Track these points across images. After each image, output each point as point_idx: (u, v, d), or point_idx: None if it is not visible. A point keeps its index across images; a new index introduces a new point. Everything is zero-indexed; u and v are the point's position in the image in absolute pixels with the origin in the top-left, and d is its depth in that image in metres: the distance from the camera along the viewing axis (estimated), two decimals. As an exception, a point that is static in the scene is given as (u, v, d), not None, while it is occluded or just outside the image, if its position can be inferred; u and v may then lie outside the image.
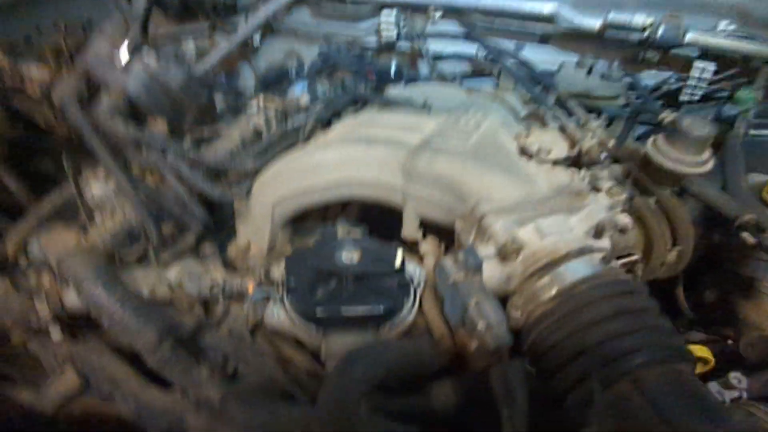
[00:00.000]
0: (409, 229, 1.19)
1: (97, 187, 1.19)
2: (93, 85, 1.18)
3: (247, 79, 2.14)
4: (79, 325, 1.25)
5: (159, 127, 1.19)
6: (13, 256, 1.15)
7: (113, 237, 1.04)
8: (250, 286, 1.17)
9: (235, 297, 1.20)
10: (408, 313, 1.05)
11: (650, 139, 1.05)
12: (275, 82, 1.88)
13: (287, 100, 1.40)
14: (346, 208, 1.57)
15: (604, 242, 0.96)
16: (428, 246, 1.24)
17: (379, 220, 1.46)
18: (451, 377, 0.95)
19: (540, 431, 0.79)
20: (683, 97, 1.50)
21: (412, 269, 1.15)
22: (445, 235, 1.28)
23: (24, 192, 1.70)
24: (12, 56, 1.97)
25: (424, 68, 1.95)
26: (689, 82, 1.48)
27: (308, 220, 1.43)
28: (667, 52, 1.48)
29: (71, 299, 1.06)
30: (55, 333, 1.10)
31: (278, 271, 1.19)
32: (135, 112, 1.22)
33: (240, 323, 1.12)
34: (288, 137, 1.27)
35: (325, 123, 1.42)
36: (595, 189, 1.02)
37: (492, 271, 0.90)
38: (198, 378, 0.99)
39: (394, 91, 1.57)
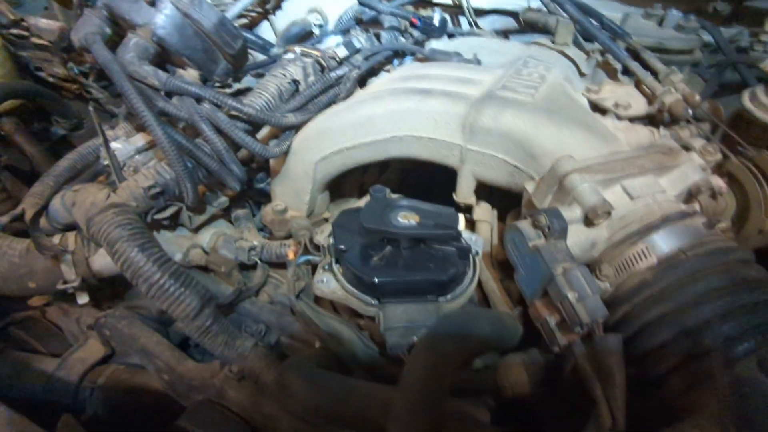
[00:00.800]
0: (464, 192, 1.08)
1: (118, 145, 1.08)
2: (115, 29, 1.06)
3: (267, 37, 2.00)
4: (102, 291, 1.17)
5: (190, 75, 1.08)
6: (34, 217, 1.05)
7: (146, 194, 0.93)
8: (291, 251, 1.08)
9: (274, 263, 1.11)
10: (469, 283, 0.96)
11: (747, 93, 0.94)
12: (298, 38, 1.75)
13: (324, 51, 1.28)
14: (384, 173, 1.47)
15: (695, 207, 0.86)
16: (483, 212, 1.14)
17: (416, 187, 1.35)
18: (520, 353, 0.87)
19: (634, 414, 0.70)
20: (755, 55, 1.37)
21: (468, 236, 1.05)
22: (496, 201, 1.18)
23: (39, 154, 1.60)
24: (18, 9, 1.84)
25: (464, 25, 1.82)
26: (763, 38, 1.35)
27: (342, 187, 1.32)
28: (740, 4, 1.35)
29: (100, 261, 0.97)
30: (82, 297, 1.01)
31: (322, 236, 1.10)
32: (160, 61, 1.10)
33: (282, 291, 1.03)
34: (330, 90, 1.14)
35: (365, 77, 1.30)
36: (686, 148, 0.91)
37: (576, 237, 0.80)
38: (241, 348, 0.91)
39: (438, 43, 1.44)
